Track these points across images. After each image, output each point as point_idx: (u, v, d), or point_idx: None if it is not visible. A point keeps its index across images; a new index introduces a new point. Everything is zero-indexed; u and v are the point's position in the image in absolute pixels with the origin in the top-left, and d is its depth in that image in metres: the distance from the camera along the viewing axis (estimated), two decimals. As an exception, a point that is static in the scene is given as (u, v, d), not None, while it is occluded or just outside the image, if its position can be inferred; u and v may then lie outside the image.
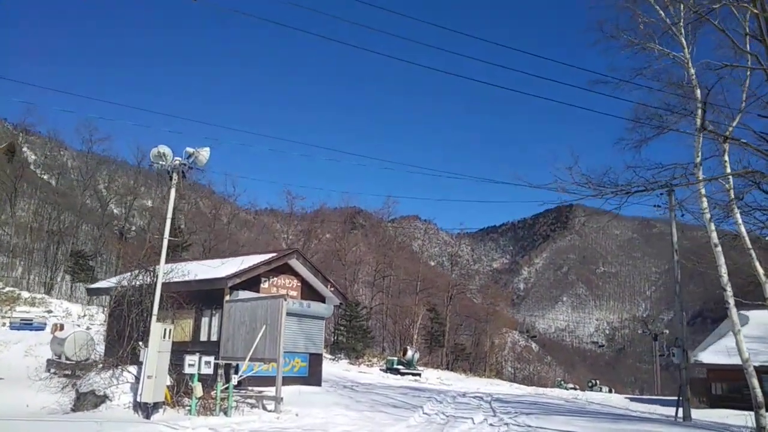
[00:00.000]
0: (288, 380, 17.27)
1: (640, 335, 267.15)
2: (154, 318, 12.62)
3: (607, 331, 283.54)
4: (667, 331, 77.55)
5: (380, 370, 49.29)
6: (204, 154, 13.07)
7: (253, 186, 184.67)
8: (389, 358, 51.37)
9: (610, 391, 70.46)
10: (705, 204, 16.15)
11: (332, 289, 18.62)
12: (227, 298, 15.84)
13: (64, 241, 59.32)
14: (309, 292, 18.64)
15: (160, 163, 13.19)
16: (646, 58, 18.80)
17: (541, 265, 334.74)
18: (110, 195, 58.75)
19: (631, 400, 38.69)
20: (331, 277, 63.23)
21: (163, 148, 13.32)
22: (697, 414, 29.22)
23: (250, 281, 16.54)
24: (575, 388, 68.98)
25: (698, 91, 17.31)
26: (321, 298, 19.01)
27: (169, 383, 13.33)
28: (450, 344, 65.26)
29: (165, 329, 12.51)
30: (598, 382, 76.09)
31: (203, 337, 16.70)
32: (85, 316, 45.08)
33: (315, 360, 18.65)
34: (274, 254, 18.03)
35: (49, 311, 46.14)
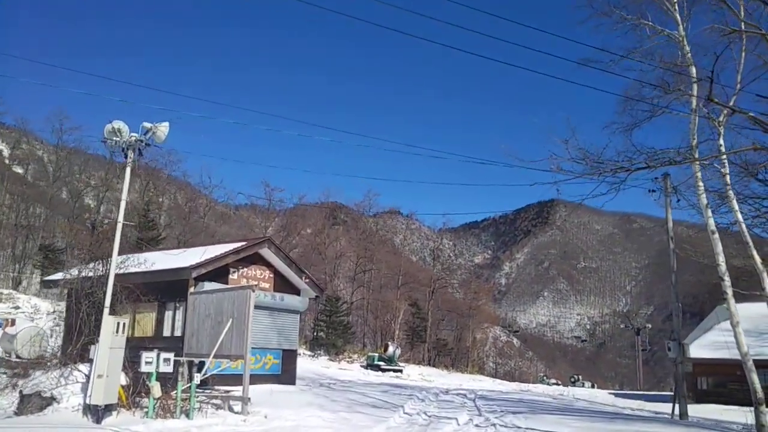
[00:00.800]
0: (259, 378, 16.10)
1: (621, 330, 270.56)
2: (105, 311, 11.35)
3: (588, 326, 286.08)
4: (650, 326, 77.83)
5: (361, 366, 48.33)
6: (162, 129, 11.81)
7: (230, 177, 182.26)
8: (370, 354, 50.38)
9: (592, 386, 70.40)
10: (702, 189, 15.29)
11: (307, 280, 17.43)
12: (192, 289, 14.59)
13: (33, 235, 57.18)
14: (282, 284, 17.43)
15: (114, 139, 11.89)
16: (638, 38, 17.91)
17: (523, 261, 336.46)
18: (82, 187, 56.77)
19: (616, 395, 38.18)
20: (310, 270, 61.77)
21: (119, 123, 12.03)
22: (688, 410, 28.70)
23: (218, 272, 15.30)
24: (558, 384, 68.71)
25: (693, 69, 16.44)
26: (295, 291, 17.81)
27: (124, 383, 12.09)
28: (432, 339, 64.39)
29: (118, 323, 11.25)
30: (580, 377, 76.00)
31: (166, 332, 15.43)
32: (54, 312, 43.25)
33: (289, 357, 17.46)
34: (244, 243, 16.78)
35: (17, 307, 44.21)
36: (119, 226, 11.89)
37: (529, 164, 10.10)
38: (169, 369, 11.80)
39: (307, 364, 43.49)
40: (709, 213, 15.24)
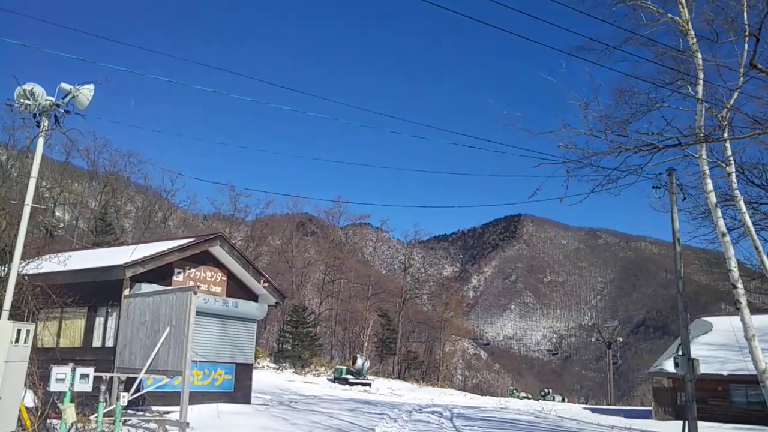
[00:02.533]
0: (207, 397, 13.83)
1: (586, 343, 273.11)
2: (4, 315, 9.00)
3: (554, 340, 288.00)
4: (621, 339, 77.27)
5: (328, 380, 46.20)
6: (86, 93, 9.59)
7: (193, 182, 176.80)
8: (338, 367, 48.17)
9: (563, 400, 69.14)
10: (710, 186, 13.74)
11: (266, 284, 15.23)
12: (126, 292, 12.30)
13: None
14: (237, 289, 15.21)
15: (25, 102, 9.61)
16: (635, 26, 16.44)
17: (490, 274, 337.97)
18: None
19: (592, 411, 36.72)
20: (276, 279, 58.93)
21: (32, 85, 9.77)
22: (667, 427, 27.25)
23: (160, 272, 13.03)
24: (528, 398, 67.28)
25: (699, 57, 14.96)
26: (252, 297, 15.59)
27: (31, 404, 9.73)
28: (402, 352, 62.27)
29: (19, 330, 8.90)
30: (551, 391, 74.67)
31: (96, 343, 13.04)
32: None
33: (243, 371, 15.19)
34: (192, 239, 14.53)
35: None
36: (26, 210, 9.59)
37: (537, 135, 8.23)
38: (87, 387, 9.49)
39: (270, 377, 40.99)
40: (719, 213, 13.67)
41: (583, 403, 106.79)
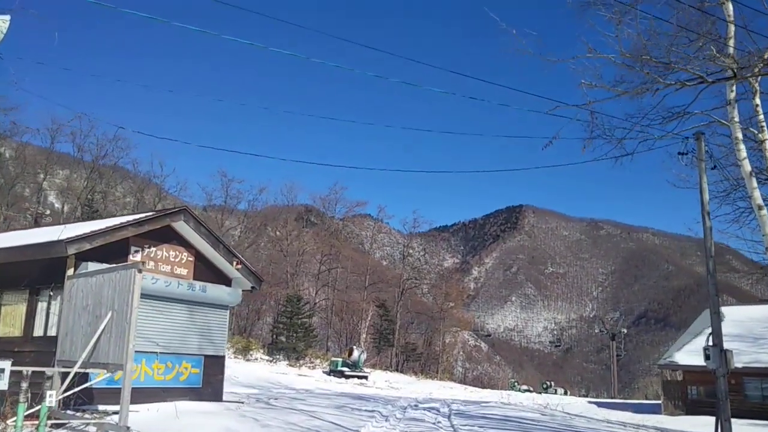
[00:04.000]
0: (170, 393, 12.11)
1: (587, 335, 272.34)
2: None
3: (555, 331, 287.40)
4: (625, 331, 75.62)
5: (323, 372, 44.75)
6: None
7: (183, 167, 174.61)
8: (333, 359, 46.67)
9: (565, 393, 67.69)
10: (743, 153, 11.95)
11: (239, 266, 13.43)
12: (70, 272, 10.56)
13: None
14: (207, 271, 13.42)
15: None
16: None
17: (491, 265, 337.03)
18: (17, 172, 51.41)
19: (599, 405, 35.09)
20: (270, 269, 57.02)
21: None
22: (681, 423, 25.61)
23: (112, 250, 11.25)
24: (530, 390, 65.82)
25: (730, 6, 13.08)
26: (225, 280, 13.82)
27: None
28: (400, 343, 60.64)
29: None
30: (552, 383, 73.17)
31: (38, 331, 11.29)
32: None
33: (213, 365, 13.43)
34: (150, 213, 12.76)
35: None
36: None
37: (556, 61, 6.43)
38: (3, 385, 7.76)
39: (262, 370, 39.39)
40: (754, 183, 11.90)
41: (584, 395, 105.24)
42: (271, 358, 46.25)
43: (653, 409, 33.24)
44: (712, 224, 12.50)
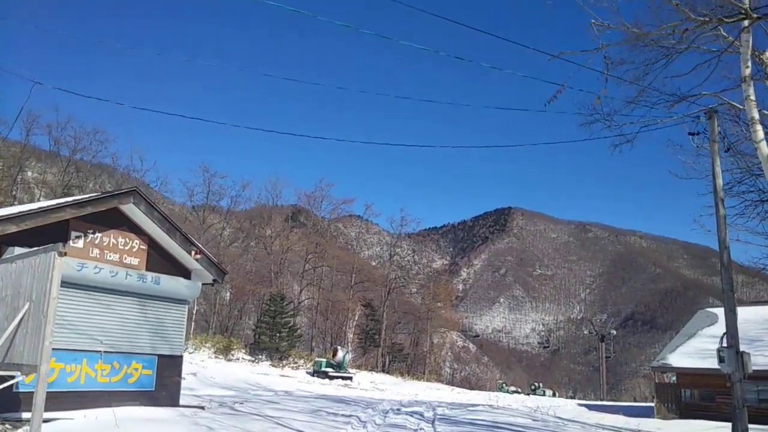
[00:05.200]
0: (117, 398, 10.69)
1: (575, 337, 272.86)
2: None
3: (543, 333, 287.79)
4: (614, 332, 74.75)
5: (307, 373, 43.43)
6: None
7: (164, 163, 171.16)
8: (317, 359, 45.32)
9: (554, 395, 66.72)
10: (760, 134, 10.76)
11: (199, 256, 11.98)
12: (-6, 258, 9.15)
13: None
14: (162, 261, 11.96)
15: None
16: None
17: (480, 267, 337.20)
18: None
19: (589, 408, 33.99)
20: (253, 265, 55.10)
21: None
22: (677, 428, 24.51)
23: (48, 235, 9.75)
24: (518, 392, 64.78)
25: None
26: (183, 272, 12.37)
27: None
28: (387, 344, 59.26)
29: None
30: (541, 385, 72.17)
31: (-39, 327, 9.89)
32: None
33: (168, 365, 11.96)
34: (95, 194, 11.33)
35: None
36: None
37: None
38: None
39: (243, 370, 37.93)
40: (774, 166, 10.67)
41: (571, 396, 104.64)
42: (253, 359, 44.86)
43: (645, 412, 32.18)
44: (724, 214, 11.25)
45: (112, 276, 10.67)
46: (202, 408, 12.46)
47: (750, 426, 25.26)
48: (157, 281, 11.42)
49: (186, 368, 30.97)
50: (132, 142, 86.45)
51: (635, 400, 68.60)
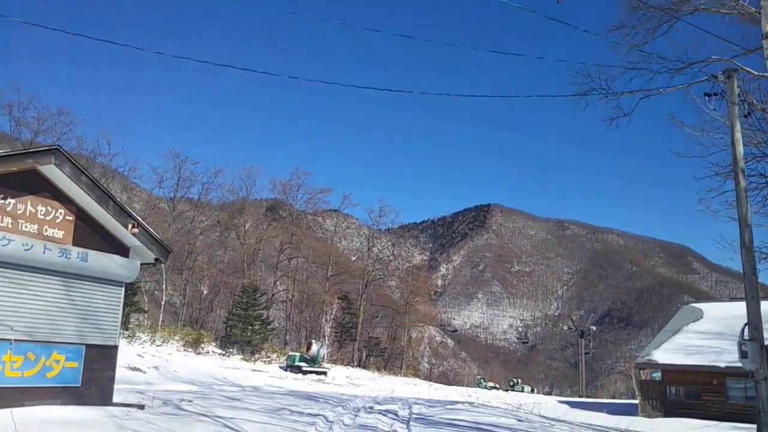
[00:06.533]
0: (32, 395, 8.95)
1: (551, 333, 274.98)
2: None
3: (520, 329, 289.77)
4: (594, 328, 74.27)
5: (280, 367, 42.03)
6: None
7: (133, 148, 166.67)
8: (291, 353, 43.78)
9: (532, 391, 66.05)
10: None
11: (136, 230, 10.16)
12: None
13: None
14: (94, 236, 10.13)
15: None
16: None
17: (459, 263, 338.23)
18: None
19: (571, 405, 32.92)
20: (226, 257, 52.95)
21: None
22: (665, 426, 23.42)
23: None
24: (497, 388, 63.97)
25: None
26: (120, 249, 10.58)
27: None
28: (363, 338, 57.73)
29: None
30: (519, 381, 71.42)
31: None
32: None
33: (100, 357, 10.17)
34: (6, 151, 9.47)
35: None
36: None
37: None
38: None
39: (211, 364, 36.14)
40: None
41: (548, 392, 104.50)
42: (224, 352, 43.17)
43: (628, 410, 31.18)
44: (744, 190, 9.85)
45: (25, 250, 8.91)
46: (141, 407, 10.75)
47: (737, 425, 24.26)
48: (84, 258, 9.66)
49: (149, 361, 29.37)
50: (99, 125, 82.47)
51: (614, 397, 68.19)
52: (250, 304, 45.82)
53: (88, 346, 9.90)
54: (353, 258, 77.42)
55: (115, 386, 20.63)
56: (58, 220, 9.60)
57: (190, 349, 40.86)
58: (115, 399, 11.61)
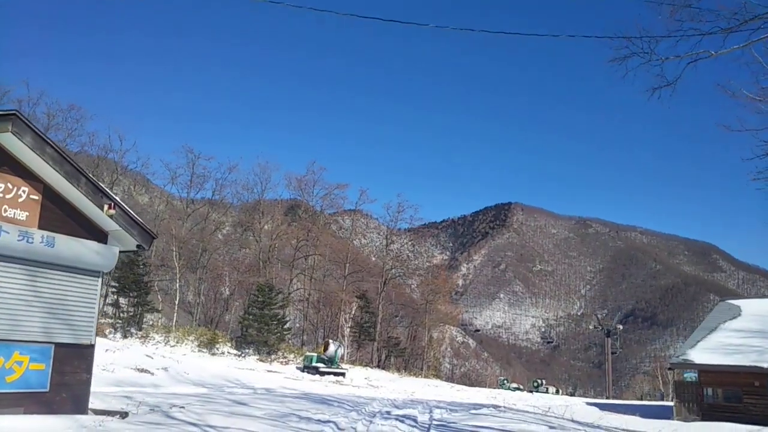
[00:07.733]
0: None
1: (575, 333, 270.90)
2: None
3: (543, 329, 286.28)
4: (621, 327, 71.88)
5: (297, 368, 40.87)
6: None
7: (145, 143, 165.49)
8: (308, 354, 42.53)
9: (557, 392, 64.12)
10: None
11: (113, 210, 8.78)
12: None
13: None
14: (67, 219, 8.77)
15: None
16: None
17: (480, 262, 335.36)
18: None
19: (600, 407, 31.12)
20: (241, 254, 51.74)
21: None
22: (703, 430, 21.61)
23: None
24: (520, 389, 62.12)
25: None
26: (97, 234, 9.21)
27: None
28: (382, 338, 56.28)
29: None
30: (543, 381, 69.36)
31: None
32: None
33: (72, 358, 8.80)
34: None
35: None
36: None
37: None
38: None
39: (225, 365, 35.01)
40: None
41: (571, 393, 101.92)
42: (239, 353, 42.17)
43: (661, 413, 29.38)
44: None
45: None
46: (125, 415, 9.43)
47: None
48: (50, 243, 8.35)
49: (158, 362, 28.22)
50: (111, 121, 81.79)
51: (640, 398, 65.84)
52: (266, 303, 44.72)
53: (58, 345, 8.59)
54: (372, 257, 76.10)
55: (119, 389, 19.49)
56: (20, 200, 8.32)
57: (204, 350, 39.95)
58: (99, 405, 10.32)
